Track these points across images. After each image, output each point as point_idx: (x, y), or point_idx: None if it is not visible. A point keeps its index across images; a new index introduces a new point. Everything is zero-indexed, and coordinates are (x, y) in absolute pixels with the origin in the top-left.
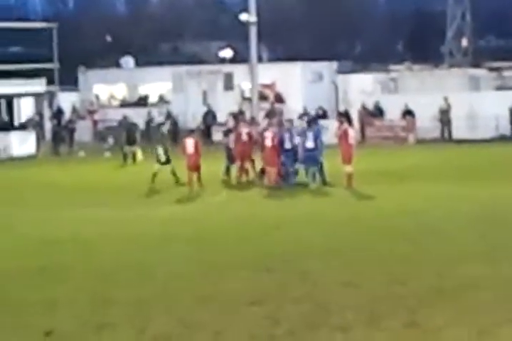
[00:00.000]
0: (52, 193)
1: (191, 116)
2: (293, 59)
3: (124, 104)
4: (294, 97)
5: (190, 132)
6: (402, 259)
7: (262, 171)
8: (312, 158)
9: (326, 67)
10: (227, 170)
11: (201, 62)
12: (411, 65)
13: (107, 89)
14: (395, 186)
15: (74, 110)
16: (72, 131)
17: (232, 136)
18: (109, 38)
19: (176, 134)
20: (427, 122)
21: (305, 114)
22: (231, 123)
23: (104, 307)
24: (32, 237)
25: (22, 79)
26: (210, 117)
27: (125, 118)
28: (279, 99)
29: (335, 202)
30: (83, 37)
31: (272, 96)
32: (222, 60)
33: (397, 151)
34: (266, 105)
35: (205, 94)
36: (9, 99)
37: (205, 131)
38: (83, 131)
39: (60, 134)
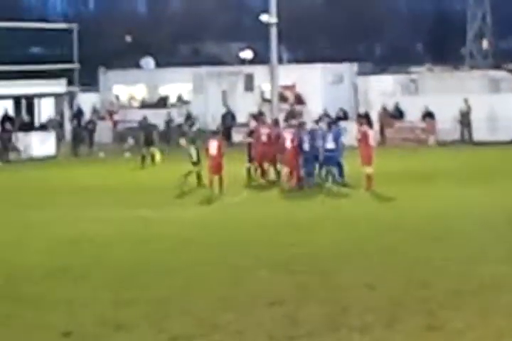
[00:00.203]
0: (71, 194)
1: (211, 117)
2: (313, 60)
3: (144, 105)
4: (314, 99)
5: (214, 134)
6: (422, 261)
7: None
8: (332, 158)
9: (347, 69)
10: (256, 171)
11: (221, 63)
12: (432, 66)
13: (127, 89)
14: (414, 188)
15: (94, 111)
16: (91, 132)
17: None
18: (129, 39)
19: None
20: (447, 124)
21: (325, 115)
22: (253, 124)
23: (124, 308)
24: (52, 237)
25: (42, 79)
26: (229, 118)
27: (144, 119)
28: (299, 100)
29: (355, 203)
30: (104, 37)
31: (292, 98)
32: (243, 61)
33: (417, 153)
34: (286, 106)
35: (224, 95)
36: (30, 100)
37: (224, 132)
38: (103, 132)
39: (80, 135)
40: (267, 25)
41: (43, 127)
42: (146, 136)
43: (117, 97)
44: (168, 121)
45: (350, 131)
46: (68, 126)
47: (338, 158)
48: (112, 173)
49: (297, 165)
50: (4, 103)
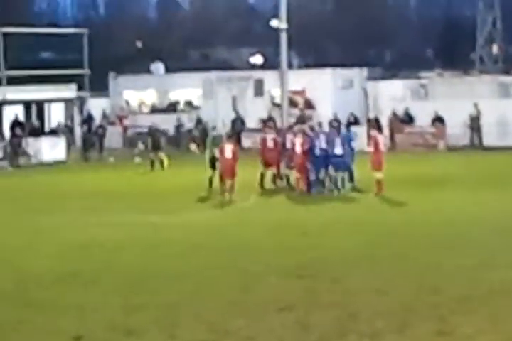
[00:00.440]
0: (81, 199)
1: (221, 122)
2: (323, 65)
3: (154, 110)
4: (324, 104)
5: (229, 138)
6: (433, 266)
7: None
8: (341, 163)
9: (356, 74)
10: (274, 177)
11: (231, 68)
12: (442, 71)
13: (137, 95)
14: (424, 193)
15: (104, 116)
16: (102, 137)
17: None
18: (139, 44)
19: (206, 140)
20: (457, 129)
21: (335, 120)
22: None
23: (134, 313)
24: (62, 242)
25: (53, 84)
26: (238, 123)
27: (152, 124)
28: (309, 105)
29: (365, 208)
30: (114, 43)
31: (302, 103)
32: (253, 67)
33: (427, 158)
34: (296, 111)
35: (234, 100)
36: (40, 105)
37: (233, 137)
38: (113, 137)
39: (90, 140)
40: (277, 31)
41: (53, 132)
42: (153, 141)
43: (127, 102)
44: (178, 126)
45: (361, 136)
46: (78, 131)
47: (347, 163)
48: (121, 178)
49: (307, 169)
50: (14, 108)
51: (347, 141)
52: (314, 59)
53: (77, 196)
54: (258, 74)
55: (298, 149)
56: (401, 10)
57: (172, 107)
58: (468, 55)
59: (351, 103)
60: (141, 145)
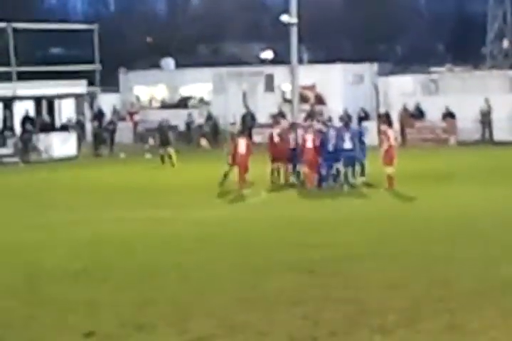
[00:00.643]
0: (92, 194)
1: (232, 117)
2: (333, 60)
3: (164, 106)
4: (335, 99)
5: (242, 132)
6: (443, 261)
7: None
8: (351, 158)
9: (367, 69)
10: (284, 173)
11: (241, 63)
12: (452, 66)
13: (148, 90)
14: (435, 188)
15: (114, 111)
16: (112, 133)
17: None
18: (149, 40)
19: (216, 135)
20: (467, 124)
21: (346, 115)
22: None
23: (145, 308)
24: (73, 238)
25: (63, 80)
26: (248, 119)
27: (161, 120)
28: (320, 100)
29: (376, 203)
30: (124, 38)
31: (312, 98)
32: (263, 62)
33: (438, 153)
34: (306, 107)
35: (244, 95)
36: (50, 100)
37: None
38: (124, 133)
39: (101, 135)
40: (287, 26)
41: (64, 128)
42: (161, 136)
43: (138, 98)
44: (189, 122)
45: (371, 131)
46: (89, 127)
47: (356, 158)
48: (132, 174)
49: (317, 164)
50: (25, 104)
51: (358, 135)
52: (325, 54)
53: (88, 192)
54: (268, 69)
55: (309, 145)
56: (411, 4)
57: (183, 102)
58: (479, 49)
59: (362, 98)
60: (151, 141)
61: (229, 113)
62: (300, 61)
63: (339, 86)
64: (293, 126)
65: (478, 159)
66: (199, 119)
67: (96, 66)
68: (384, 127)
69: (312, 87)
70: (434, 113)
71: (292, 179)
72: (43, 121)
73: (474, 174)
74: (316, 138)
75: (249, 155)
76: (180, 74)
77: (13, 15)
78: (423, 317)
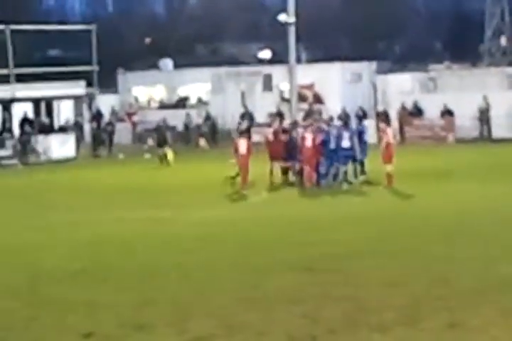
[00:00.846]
0: (91, 195)
1: (230, 117)
2: (331, 59)
3: (163, 106)
4: (333, 98)
5: (243, 132)
6: (443, 259)
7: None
8: (348, 157)
9: (365, 68)
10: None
11: (240, 63)
12: (450, 64)
13: (146, 91)
14: (434, 186)
15: (113, 112)
16: (111, 133)
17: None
18: (147, 40)
19: (215, 135)
20: (466, 121)
21: (344, 114)
22: (286, 124)
23: (144, 308)
24: (73, 239)
25: (61, 81)
26: (247, 118)
27: (159, 120)
28: (318, 99)
29: (375, 201)
30: (122, 39)
31: (310, 97)
32: (261, 61)
33: (437, 151)
34: (305, 106)
35: (243, 95)
36: (49, 102)
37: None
38: (122, 133)
39: (100, 136)
40: (285, 25)
41: (63, 129)
42: (159, 137)
43: (136, 99)
44: (187, 122)
45: (369, 130)
46: (88, 128)
47: (354, 156)
48: (131, 174)
49: (317, 163)
50: (24, 105)
51: (359, 134)
52: (323, 53)
53: (87, 192)
54: (267, 69)
55: (308, 143)
56: (409, 3)
57: (181, 103)
58: (477, 47)
59: (360, 97)
60: (150, 142)
61: (227, 113)
62: (298, 60)
63: (337, 85)
64: (293, 125)
65: (477, 156)
66: (197, 119)
67: (94, 67)
68: (382, 125)
69: (310, 86)
70: (432, 111)
71: (292, 178)
72: (41, 123)
73: (473, 171)
74: (316, 137)
75: (249, 155)
76: (178, 74)
77: (11, 16)
78: (422, 316)
